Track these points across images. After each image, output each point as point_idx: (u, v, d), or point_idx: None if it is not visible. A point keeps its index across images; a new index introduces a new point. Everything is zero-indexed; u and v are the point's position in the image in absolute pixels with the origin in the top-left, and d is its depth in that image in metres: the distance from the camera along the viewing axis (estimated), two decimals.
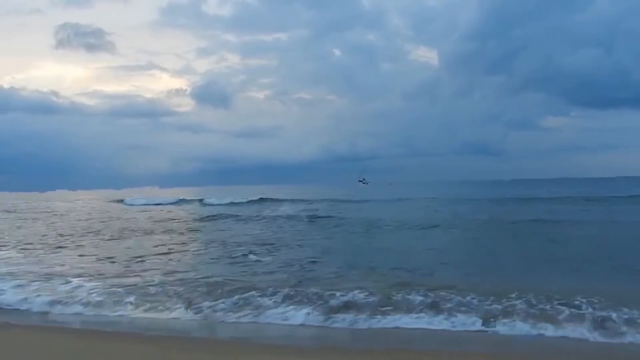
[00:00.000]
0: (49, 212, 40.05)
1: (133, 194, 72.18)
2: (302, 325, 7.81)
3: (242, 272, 11.65)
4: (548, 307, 7.91)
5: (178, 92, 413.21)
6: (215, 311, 8.38)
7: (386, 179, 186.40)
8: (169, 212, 37.10)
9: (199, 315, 8.29)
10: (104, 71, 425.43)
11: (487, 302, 8.22)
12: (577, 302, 7.98)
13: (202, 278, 10.75)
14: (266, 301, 8.68)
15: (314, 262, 13.08)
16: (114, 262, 13.39)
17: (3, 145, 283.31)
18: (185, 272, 11.63)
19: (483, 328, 7.34)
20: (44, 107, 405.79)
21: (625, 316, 7.32)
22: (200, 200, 50.39)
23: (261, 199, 46.80)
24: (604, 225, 20.18)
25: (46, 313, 8.67)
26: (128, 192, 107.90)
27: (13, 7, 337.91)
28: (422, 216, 25.80)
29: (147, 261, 13.65)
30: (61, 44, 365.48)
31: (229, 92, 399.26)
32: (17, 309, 8.85)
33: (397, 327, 7.52)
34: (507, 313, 7.74)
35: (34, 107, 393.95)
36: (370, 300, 8.55)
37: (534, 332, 7.12)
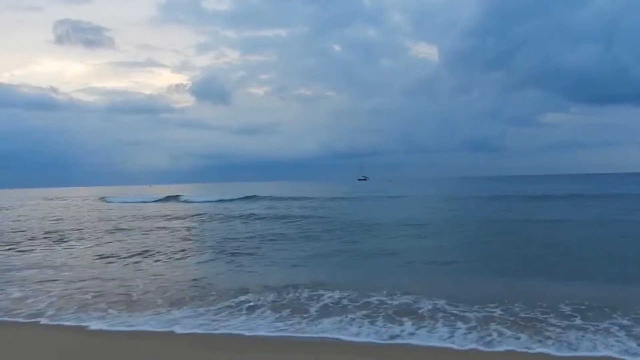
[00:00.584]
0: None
1: (132, 191, 73.28)
2: None
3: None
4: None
5: (177, 88, 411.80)
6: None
7: (386, 175, 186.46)
8: (138, 210, 36.06)
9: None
10: (103, 67, 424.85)
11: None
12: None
13: None
14: None
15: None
16: None
17: (2, 141, 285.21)
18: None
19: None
20: (43, 103, 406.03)
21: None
22: (176, 197, 49.74)
23: (246, 197, 46.04)
24: (594, 224, 19.16)
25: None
26: (127, 189, 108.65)
27: (12, 3, 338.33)
28: (406, 216, 24.38)
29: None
30: (60, 40, 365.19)
31: (229, 88, 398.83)
32: None
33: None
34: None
35: (33, 103, 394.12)
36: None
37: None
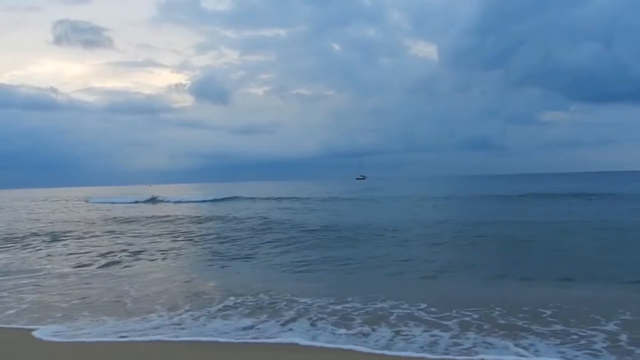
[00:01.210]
0: None
1: (131, 191, 72.69)
2: None
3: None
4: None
5: (177, 88, 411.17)
6: None
7: (385, 174, 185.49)
8: (108, 211, 35.22)
9: None
10: (103, 67, 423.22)
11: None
12: None
13: None
14: None
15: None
16: None
17: (2, 141, 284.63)
18: None
19: None
20: (42, 103, 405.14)
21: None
22: (154, 199, 48.69)
23: (229, 198, 44.85)
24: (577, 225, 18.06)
25: None
26: (126, 189, 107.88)
27: (11, 3, 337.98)
28: (389, 219, 22.56)
29: None
30: (59, 40, 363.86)
31: (228, 88, 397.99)
32: None
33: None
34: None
35: (32, 103, 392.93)
36: None
37: None
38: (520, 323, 6.64)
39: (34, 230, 21.53)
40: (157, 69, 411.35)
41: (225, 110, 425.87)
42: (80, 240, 17.79)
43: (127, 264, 12.56)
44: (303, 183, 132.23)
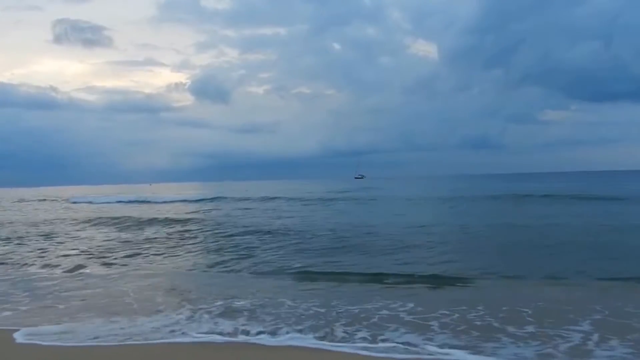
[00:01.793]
0: None
1: (131, 190, 71.67)
2: None
3: None
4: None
5: (177, 87, 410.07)
6: None
7: (385, 173, 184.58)
8: (75, 212, 33.83)
9: None
10: (103, 66, 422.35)
11: None
12: None
13: None
14: None
15: None
16: None
17: (2, 141, 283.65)
18: None
19: None
20: (42, 102, 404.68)
21: None
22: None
23: (213, 198, 43.99)
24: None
25: None
26: (126, 188, 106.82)
27: (10, 2, 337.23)
28: (356, 222, 20.77)
29: None
30: (59, 39, 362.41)
31: (228, 87, 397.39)
32: None
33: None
34: None
35: (32, 102, 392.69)
36: None
37: None
38: (496, 324, 6.65)
39: None
40: (157, 68, 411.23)
41: (225, 109, 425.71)
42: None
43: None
44: (301, 182, 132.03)
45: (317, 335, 6.39)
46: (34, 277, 11.09)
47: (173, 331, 6.66)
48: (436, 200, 36.17)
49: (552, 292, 8.39)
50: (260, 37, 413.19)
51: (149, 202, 44.43)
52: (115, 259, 13.23)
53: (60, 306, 8.18)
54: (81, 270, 11.68)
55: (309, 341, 6.20)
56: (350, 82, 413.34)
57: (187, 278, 10.67)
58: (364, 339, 6.21)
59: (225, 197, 44.37)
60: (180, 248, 15.04)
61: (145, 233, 19.27)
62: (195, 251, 14.47)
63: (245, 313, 7.41)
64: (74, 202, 48.62)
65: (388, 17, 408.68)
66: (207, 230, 19.02)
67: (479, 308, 7.29)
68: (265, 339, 6.25)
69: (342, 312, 7.38)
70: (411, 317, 7.08)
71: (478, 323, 6.70)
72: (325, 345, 6.05)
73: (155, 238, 17.45)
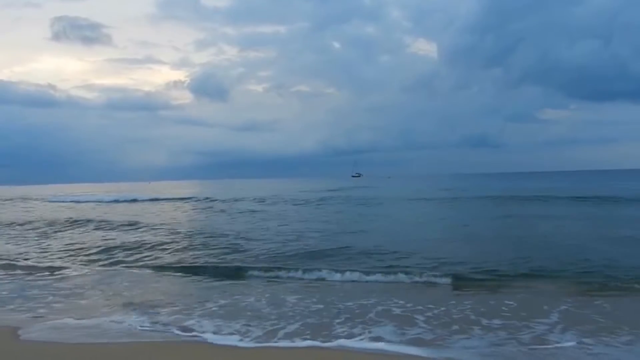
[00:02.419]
0: None
1: (130, 189, 70.56)
2: None
3: None
4: None
5: (176, 85, 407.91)
6: None
7: (385, 172, 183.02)
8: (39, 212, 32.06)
9: None
10: (102, 64, 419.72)
11: None
12: None
13: None
14: None
15: None
16: None
17: (1, 138, 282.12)
18: None
19: None
20: (41, 100, 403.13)
21: None
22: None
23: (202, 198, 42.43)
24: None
25: None
26: (124, 186, 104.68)
27: (9, 0, 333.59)
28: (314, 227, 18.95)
29: None
30: (57, 37, 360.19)
31: (228, 84, 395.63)
32: None
33: None
34: None
35: (31, 100, 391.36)
36: None
37: None
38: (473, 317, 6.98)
39: None
40: (156, 66, 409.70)
41: (224, 107, 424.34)
42: None
43: None
44: (298, 180, 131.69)
45: None
46: None
47: None
48: (424, 201, 34.24)
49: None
50: (259, 35, 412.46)
51: (136, 200, 42.88)
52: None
53: None
54: None
55: None
56: (350, 81, 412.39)
57: None
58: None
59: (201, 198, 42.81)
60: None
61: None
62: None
63: None
64: (53, 201, 46.03)
65: (388, 16, 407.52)
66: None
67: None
68: None
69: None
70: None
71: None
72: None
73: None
